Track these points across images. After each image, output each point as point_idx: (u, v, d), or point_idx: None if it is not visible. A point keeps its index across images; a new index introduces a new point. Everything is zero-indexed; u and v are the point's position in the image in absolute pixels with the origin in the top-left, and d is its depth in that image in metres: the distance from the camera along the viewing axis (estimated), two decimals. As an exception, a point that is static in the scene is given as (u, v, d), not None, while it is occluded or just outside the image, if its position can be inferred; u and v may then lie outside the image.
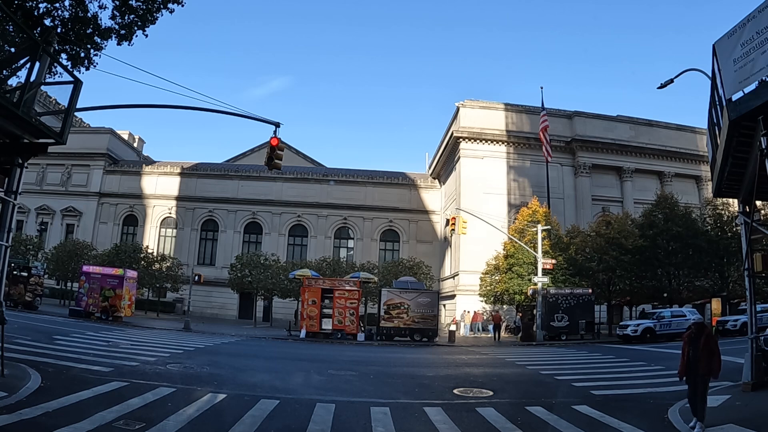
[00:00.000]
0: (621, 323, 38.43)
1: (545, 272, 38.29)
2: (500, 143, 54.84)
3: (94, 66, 17.17)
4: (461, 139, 54.38)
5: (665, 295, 42.00)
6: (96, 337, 23.66)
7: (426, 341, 35.80)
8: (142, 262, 51.16)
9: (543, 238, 38.92)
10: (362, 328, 36.67)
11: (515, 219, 46.40)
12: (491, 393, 14.69)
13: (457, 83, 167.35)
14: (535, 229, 39.56)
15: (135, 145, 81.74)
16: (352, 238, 65.09)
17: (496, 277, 43.65)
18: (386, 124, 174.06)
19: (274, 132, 19.49)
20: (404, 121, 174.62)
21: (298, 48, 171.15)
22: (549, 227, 40.57)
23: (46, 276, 54.99)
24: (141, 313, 51.73)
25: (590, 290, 39.55)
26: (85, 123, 78.74)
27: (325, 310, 35.45)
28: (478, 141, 54.33)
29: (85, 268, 40.54)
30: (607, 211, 52.97)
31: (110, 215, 65.76)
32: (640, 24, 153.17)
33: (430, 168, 70.47)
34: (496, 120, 55.29)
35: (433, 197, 66.25)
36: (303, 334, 34.83)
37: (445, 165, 61.88)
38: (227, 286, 53.01)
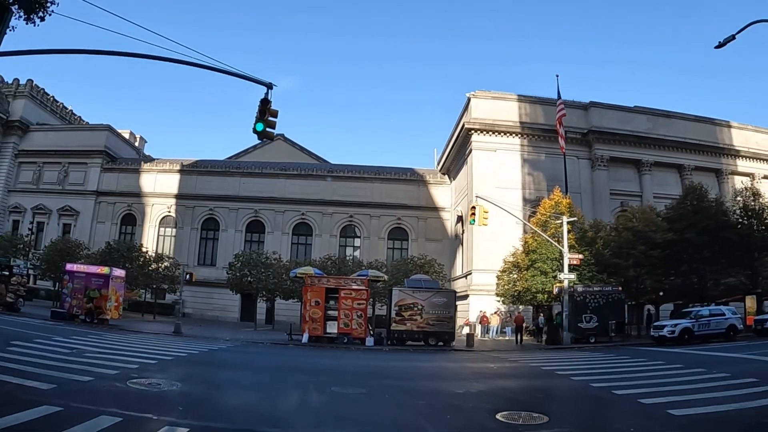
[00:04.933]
0: (655, 324, 34.34)
1: (572, 268, 34.47)
2: (513, 135, 51.28)
3: (49, 15, 14.32)
4: (473, 131, 50.95)
5: (695, 293, 38.41)
6: (62, 344, 19.74)
7: (442, 345, 31.91)
8: (136, 262, 47.41)
9: (568, 231, 35.04)
10: (371, 332, 32.52)
11: (531, 214, 42.84)
12: (546, 419, 10.72)
13: (465, 79, 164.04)
14: (559, 221, 35.86)
15: (137, 144, 78.97)
16: (359, 237, 61.53)
17: (514, 275, 39.95)
18: (393, 122, 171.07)
19: (266, 94, 15.56)
20: (411, 119, 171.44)
21: (302, 48, 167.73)
22: (575, 218, 36.76)
23: (39, 277, 51.94)
24: (137, 316, 48.70)
25: (620, 287, 35.59)
26: (84, 121, 75.90)
27: (329, 312, 31.41)
28: (490, 133, 50.87)
29: (68, 266, 36.72)
30: (626, 206, 49.68)
31: (108, 214, 62.57)
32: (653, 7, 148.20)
33: (438, 164, 66.92)
34: (508, 111, 51.83)
35: (443, 193, 62.58)
36: (305, 338, 30.70)
37: (456, 159, 58.41)
38: (228, 287, 49.32)
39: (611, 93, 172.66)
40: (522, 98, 52.91)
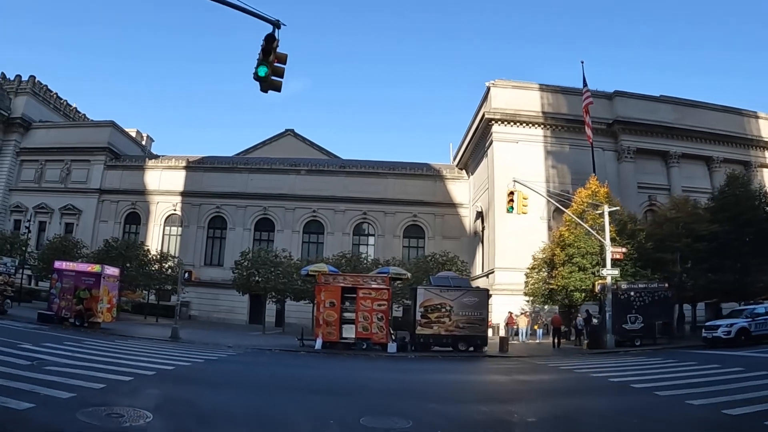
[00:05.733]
0: (707, 324, 30.28)
1: (614, 263, 30.67)
2: (536, 126, 47.97)
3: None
4: (493, 122, 47.65)
5: (736, 290, 34.24)
6: (27, 353, 16.01)
7: (472, 351, 27.95)
8: (136, 261, 43.76)
9: (609, 223, 31.27)
10: (392, 337, 28.46)
11: (556, 207, 40.37)
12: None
13: (479, 73, 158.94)
14: (598, 211, 32.33)
15: (143, 143, 75.70)
16: (373, 235, 57.81)
17: (543, 273, 36.80)
18: (405, 120, 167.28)
19: (273, 32, 11.77)
20: (424, 117, 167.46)
21: (312, 50, 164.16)
22: (617, 208, 33.16)
23: (39, 277, 48.55)
24: (140, 318, 45.34)
25: (666, 284, 31.58)
26: (88, 119, 72.90)
27: (346, 314, 27.36)
28: (511, 123, 47.61)
29: (57, 264, 32.90)
30: (653, 200, 46.92)
31: (111, 213, 59.31)
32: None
33: (455, 159, 63.36)
34: (530, 101, 48.45)
35: (461, 189, 58.83)
36: (318, 344, 26.68)
37: (474, 152, 54.89)
38: (234, 288, 45.73)
39: (631, 83, 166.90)
40: (544, 87, 49.72)
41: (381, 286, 27.99)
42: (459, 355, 27.18)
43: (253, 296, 48.37)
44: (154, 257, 47.42)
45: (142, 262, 44.97)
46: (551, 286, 34.92)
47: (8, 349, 16.32)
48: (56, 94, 69.39)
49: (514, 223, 41.51)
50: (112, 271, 32.33)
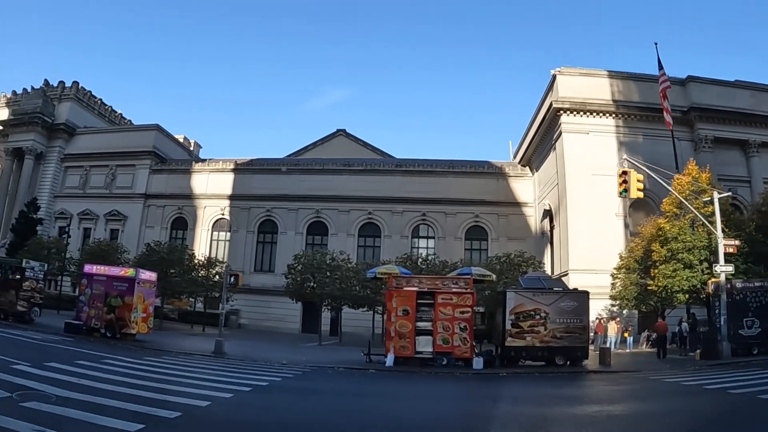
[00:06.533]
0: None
1: (727, 259, 25.57)
2: (606, 115, 43.36)
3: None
4: (561, 112, 43.04)
5: None
6: (15, 378, 11.61)
7: (569, 365, 22.97)
8: (179, 266, 39.84)
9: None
10: (476, 350, 23.32)
11: (632, 203, 37.89)
12: None
13: (536, 65, 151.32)
14: (705, 198, 27.61)
15: (191, 149, 72.68)
16: (432, 237, 52.98)
17: (634, 274, 32.28)
18: (460, 119, 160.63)
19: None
20: (479, 114, 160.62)
21: (354, 53, 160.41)
22: (729, 193, 28.69)
23: (74, 284, 45.50)
24: (186, 327, 42.02)
25: (787, 283, 26.38)
26: (133, 124, 70.33)
27: (420, 324, 22.39)
28: (580, 113, 43.06)
29: (86, 268, 28.71)
30: (734, 193, 40.71)
31: (157, 218, 56.25)
32: None
33: (515, 156, 58.52)
34: (598, 89, 43.82)
35: (524, 187, 53.67)
36: (390, 360, 21.79)
37: (539, 147, 49.93)
38: (286, 295, 41.63)
39: (696, 67, 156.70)
40: (613, 74, 44.94)
41: (464, 290, 22.79)
42: (558, 371, 22.10)
43: (306, 303, 44.40)
44: (200, 262, 43.61)
45: (186, 267, 40.95)
46: (649, 287, 29.96)
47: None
48: (100, 100, 67.39)
49: (589, 221, 38.87)
50: (148, 275, 27.92)
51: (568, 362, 23.13)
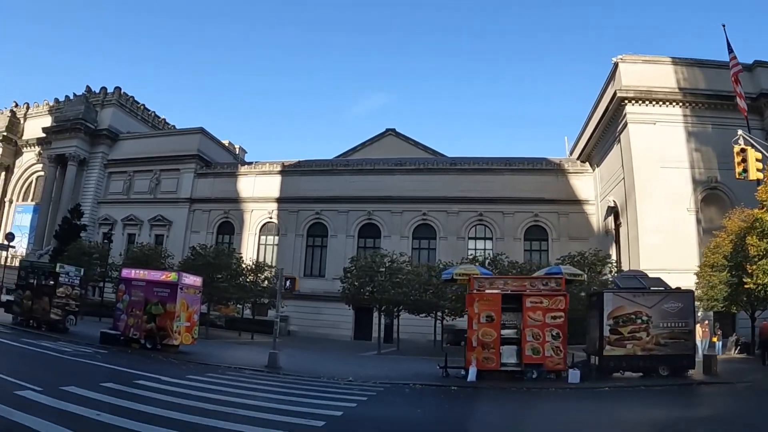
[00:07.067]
0: None
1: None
2: (673, 104, 39.93)
3: None
4: (626, 101, 39.81)
5: None
6: (8, 407, 8.59)
7: (672, 376, 19.49)
8: (227, 271, 37.22)
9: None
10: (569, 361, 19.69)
11: (704, 197, 36.77)
12: None
13: (590, 54, 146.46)
14: None
15: (236, 153, 70.84)
16: (490, 238, 49.43)
17: (724, 272, 28.54)
18: (512, 116, 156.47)
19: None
20: (531, 110, 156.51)
21: (393, 55, 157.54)
22: None
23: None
24: (234, 335, 39.78)
25: None
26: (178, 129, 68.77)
27: (504, 332, 19.06)
28: (646, 102, 39.79)
29: (124, 272, 26.06)
30: None
31: (203, 223, 54.30)
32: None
33: (572, 152, 55.22)
34: (663, 76, 40.51)
35: (584, 184, 49.90)
36: (472, 374, 18.35)
37: (601, 140, 46.37)
38: (340, 300, 38.90)
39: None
40: (677, 61, 41.44)
41: (556, 292, 19.28)
42: (665, 383, 18.55)
43: (359, 309, 41.70)
44: (248, 267, 41.13)
45: (234, 272, 38.29)
46: (746, 285, 26.05)
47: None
48: (143, 105, 66.35)
49: (659, 218, 36.45)
50: (192, 280, 24.76)
51: (671, 372, 19.67)
